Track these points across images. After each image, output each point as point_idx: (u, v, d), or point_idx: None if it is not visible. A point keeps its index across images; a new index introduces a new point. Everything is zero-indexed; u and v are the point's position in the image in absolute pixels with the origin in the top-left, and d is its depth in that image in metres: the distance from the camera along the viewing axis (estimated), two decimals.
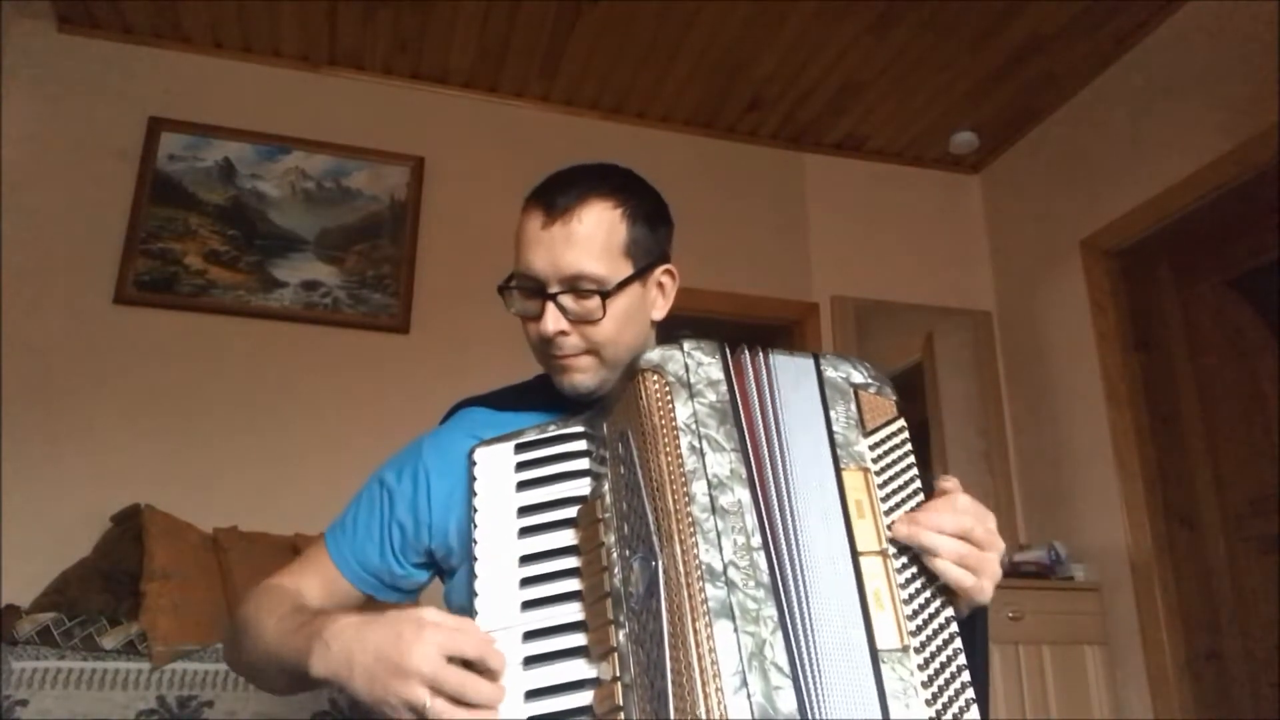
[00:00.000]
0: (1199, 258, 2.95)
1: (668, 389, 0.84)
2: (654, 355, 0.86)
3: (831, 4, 2.96)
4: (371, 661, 0.75)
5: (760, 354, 0.89)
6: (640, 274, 1.02)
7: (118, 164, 2.99)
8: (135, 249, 2.93)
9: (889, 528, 0.81)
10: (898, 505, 0.83)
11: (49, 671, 2.04)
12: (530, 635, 0.80)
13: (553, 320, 0.98)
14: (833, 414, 0.87)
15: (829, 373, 0.90)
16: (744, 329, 3.31)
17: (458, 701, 0.73)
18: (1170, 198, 2.92)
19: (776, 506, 0.80)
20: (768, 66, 3.29)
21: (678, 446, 0.80)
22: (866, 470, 0.84)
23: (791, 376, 0.89)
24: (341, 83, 3.33)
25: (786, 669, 0.71)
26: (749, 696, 0.69)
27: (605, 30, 3.12)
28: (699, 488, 0.78)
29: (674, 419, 0.82)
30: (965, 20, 3.03)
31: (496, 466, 0.91)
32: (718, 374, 0.85)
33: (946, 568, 0.79)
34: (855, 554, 0.79)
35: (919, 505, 0.83)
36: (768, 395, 0.86)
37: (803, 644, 0.73)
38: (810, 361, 0.91)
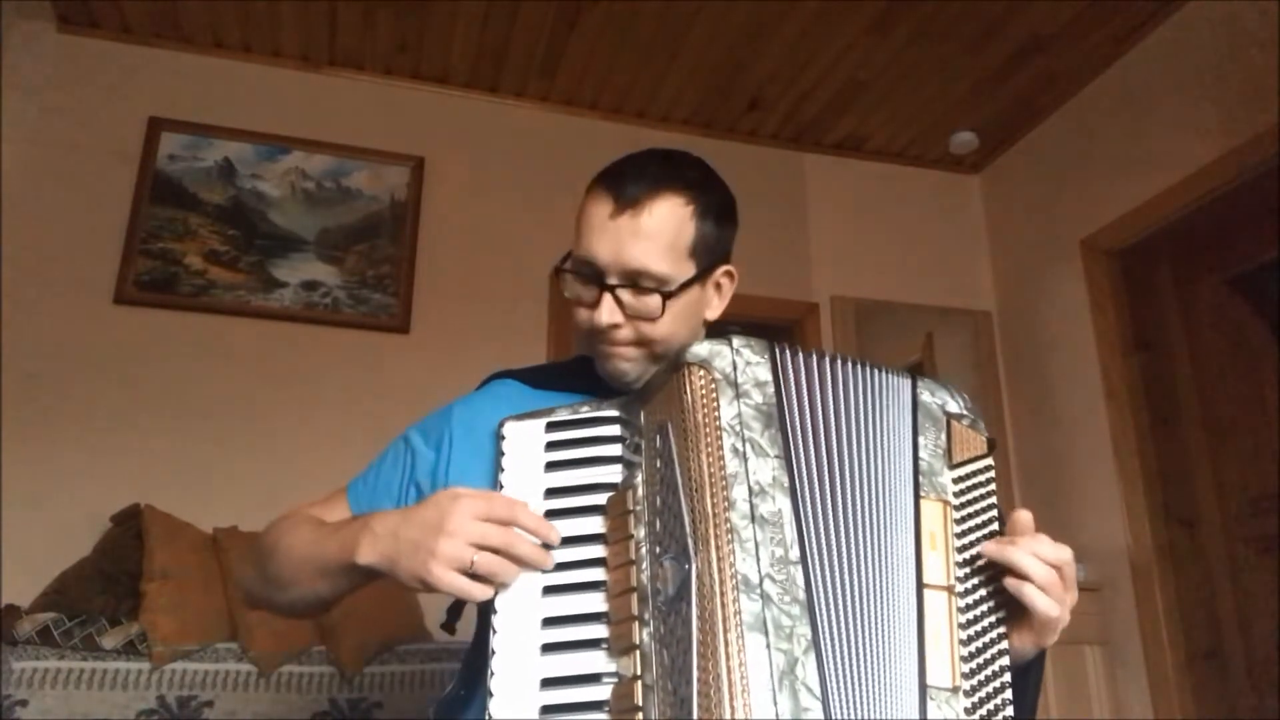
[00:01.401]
0: (1199, 258, 2.95)
1: (713, 386, 0.80)
2: (701, 350, 0.82)
3: (831, 4, 2.96)
4: (417, 534, 0.79)
5: (814, 357, 0.85)
6: (702, 275, 1.01)
7: (118, 164, 2.99)
8: (135, 249, 2.92)
9: (959, 550, 0.79)
10: (972, 544, 0.81)
11: (49, 671, 2.04)
12: (549, 622, 0.78)
13: (608, 312, 0.97)
14: (921, 439, 0.84)
15: (924, 396, 0.87)
16: (744, 329, 3.31)
17: (499, 557, 0.78)
18: (1170, 198, 2.92)
19: (821, 519, 0.77)
20: (768, 66, 3.29)
21: (720, 448, 0.77)
22: (947, 503, 0.81)
23: (878, 392, 0.86)
24: (341, 83, 3.33)
25: (816, 690, 0.69)
26: (777, 716, 0.67)
27: (605, 30, 3.12)
28: (739, 493, 0.75)
29: (718, 418, 0.78)
30: (965, 20, 3.03)
31: (526, 443, 0.88)
32: (765, 375, 0.82)
33: (1035, 595, 0.77)
34: (920, 586, 0.77)
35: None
36: (818, 400, 0.83)
37: (838, 667, 0.71)
38: (907, 382, 0.88)
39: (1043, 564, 0.78)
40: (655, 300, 0.96)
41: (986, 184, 3.91)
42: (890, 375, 0.87)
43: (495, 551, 0.78)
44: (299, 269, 3.08)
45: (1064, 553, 0.80)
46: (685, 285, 0.98)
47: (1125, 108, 3.17)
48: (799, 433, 0.80)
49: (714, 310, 1.07)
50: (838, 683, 0.71)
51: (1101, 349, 3.16)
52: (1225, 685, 2.74)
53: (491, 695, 0.75)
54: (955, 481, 0.83)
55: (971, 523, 0.82)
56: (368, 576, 0.88)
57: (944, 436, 0.85)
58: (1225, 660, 2.74)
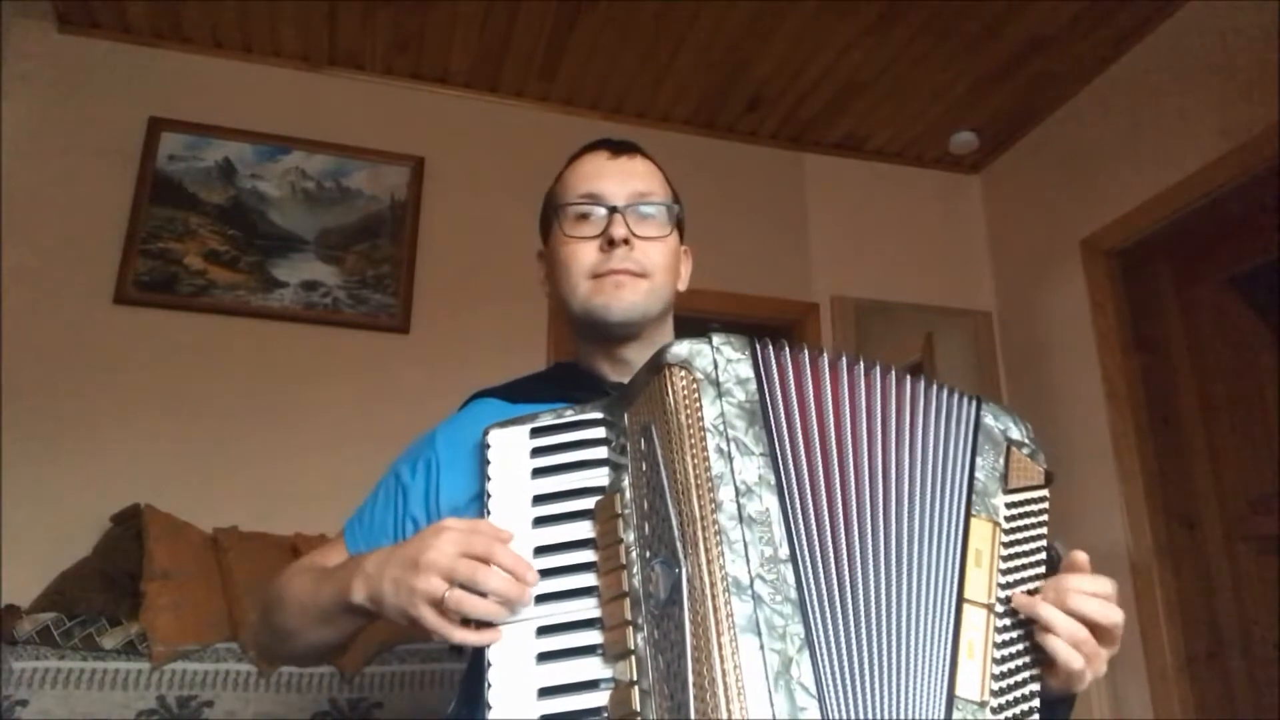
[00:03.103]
0: (1199, 258, 2.95)
1: (695, 387, 0.79)
2: (681, 349, 0.81)
3: (831, 4, 2.96)
4: (398, 570, 0.80)
5: (801, 352, 0.85)
6: (680, 227, 1.13)
7: (118, 164, 2.99)
8: (135, 249, 2.92)
9: (1004, 574, 0.79)
10: (1017, 569, 0.81)
11: (49, 671, 2.04)
12: (544, 630, 0.77)
13: (621, 227, 1.04)
14: (979, 459, 0.85)
15: (987, 420, 0.89)
16: (744, 329, 3.30)
17: (475, 595, 0.77)
18: (1170, 198, 2.92)
19: (814, 516, 0.77)
20: (768, 66, 3.29)
21: (705, 449, 0.76)
22: (997, 524, 0.82)
23: (939, 410, 0.86)
24: (341, 83, 3.33)
25: (812, 689, 0.69)
26: (774, 716, 0.67)
27: (605, 30, 3.12)
28: (726, 494, 0.74)
29: (701, 419, 0.77)
30: (965, 20, 3.03)
31: (511, 450, 0.87)
32: (747, 371, 0.81)
33: (1058, 646, 0.77)
34: (961, 599, 0.77)
35: (1038, 577, 0.82)
36: (808, 395, 0.82)
37: (835, 665, 0.71)
38: (971, 403, 0.89)
39: (1069, 620, 0.77)
40: (661, 214, 1.07)
41: (986, 184, 3.91)
42: (956, 395, 0.88)
43: (469, 585, 0.77)
44: (299, 269, 3.08)
45: (1109, 612, 0.78)
46: (677, 220, 1.11)
47: (1125, 108, 3.17)
48: (784, 429, 0.80)
49: (683, 281, 1.15)
50: (835, 680, 0.70)
51: (1101, 349, 3.16)
52: (1225, 685, 2.74)
53: (490, 708, 0.74)
54: (1008, 506, 0.84)
55: (1019, 549, 0.82)
56: (366, 616, 0.88)
57: (1002, 460, 0.86)
58: (1225, 660, 2.74)
